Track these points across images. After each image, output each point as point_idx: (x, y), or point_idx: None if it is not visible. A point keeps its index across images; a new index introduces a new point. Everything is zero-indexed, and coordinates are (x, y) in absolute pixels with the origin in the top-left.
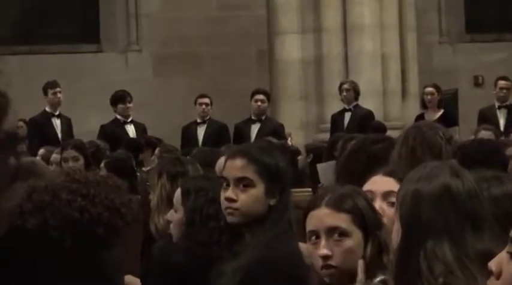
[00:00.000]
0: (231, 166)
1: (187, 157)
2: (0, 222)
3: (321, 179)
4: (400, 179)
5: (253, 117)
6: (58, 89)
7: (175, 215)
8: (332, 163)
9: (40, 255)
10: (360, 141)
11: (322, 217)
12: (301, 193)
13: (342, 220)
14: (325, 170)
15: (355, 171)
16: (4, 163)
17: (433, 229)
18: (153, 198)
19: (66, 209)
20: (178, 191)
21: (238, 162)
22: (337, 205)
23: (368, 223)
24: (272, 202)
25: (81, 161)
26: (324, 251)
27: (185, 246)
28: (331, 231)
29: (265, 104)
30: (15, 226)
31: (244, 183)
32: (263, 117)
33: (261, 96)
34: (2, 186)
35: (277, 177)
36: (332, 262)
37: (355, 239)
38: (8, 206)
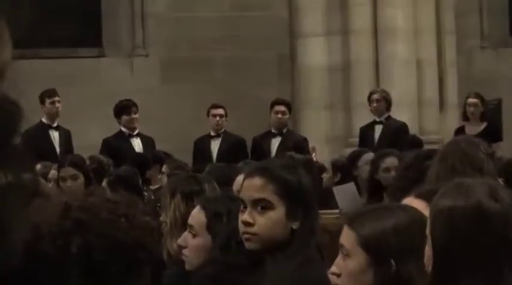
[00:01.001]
0: (248, 186)
1: (199, 174)
2: (14, 244)
3: (339, 203)
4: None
5: (273, 130)
6: (57, 98)
7: (192, 240)
8: (350, 185)
9: (80, 278)
10: (414, 156)
11: (342, 233)
12: (328, 215)
13: (346, 238)
14: (343, 193)
15: (401, 190)
16: (21, 180)
17: (467, 261)
18: (166, 220)
19: (110, 230)
20: (199, 214)
21: (256, 181)
22: (348, 222)
23: (375, 247)
24: (295, 225)
25: (81, 179)
26: (332, 268)
27: (212, 274)
28: (340, 248)
29: (287, 116)
30: (55, 245)
31: (262, 205)
32: (284, 130)
33: (282, 108)
34: (18, 204)
35: (300, 197)
36: (339, 282)
37: (356, 261)
38: (26, 227)
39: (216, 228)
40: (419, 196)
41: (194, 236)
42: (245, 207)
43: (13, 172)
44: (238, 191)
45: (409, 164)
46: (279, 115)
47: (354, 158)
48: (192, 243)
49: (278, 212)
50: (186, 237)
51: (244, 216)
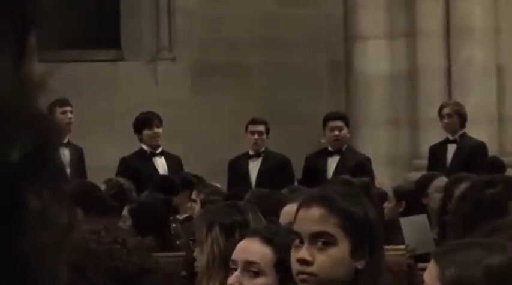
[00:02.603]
0: (306, 217)
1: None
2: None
3: (406, 238)
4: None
5: (330, 148)
6: (69, 108)
7: (253, 281)
8: (421, 217)
9: None
10: (470, 185)
11: (427, 268)
12: (391, 252)
13: (429, 273)
14: (412, 226)
15: (459, 225)
16: (58, 208)
17: None
18: (201, 257)
19: (107, 263)
20: (263, 249)
21: (315, 212)
22: (435, 256)
23: None
24: (360, 265)
25: None
26: None
27: None
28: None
29: (344, 131)
30: None
31: (322, 240)
32: (344, 148)
33: (338, 122)
34: (55, 236)
35: (367, 232)
36: None
37: None
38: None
39: (288, 267)
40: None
41: (256, 275)
42: (301, 242)
43: (49, 197)
44: (289, 223)
45: (464, 194)
46: (336, 132)
47: (424, 184)
48: (252, 284)
49: (341, 249)
50: (238, 277)
51: (301, 252)
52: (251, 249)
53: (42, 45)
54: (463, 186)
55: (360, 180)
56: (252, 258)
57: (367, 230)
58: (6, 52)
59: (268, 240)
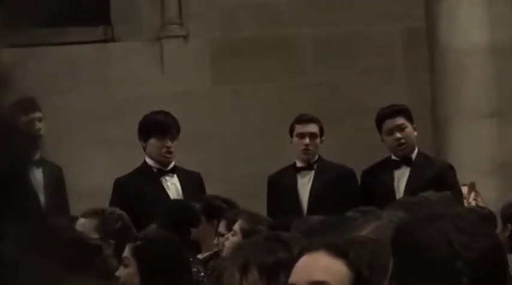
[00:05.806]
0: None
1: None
2: None
3: None
4: None
5: (393, 157)
6: (38, 114)
7: None
8: None
9: None
10: None
11: None
12: None
13: None
14: None
15: None
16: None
17: None
18: None
19: None
20: (334, 265)
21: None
22: None
23: None
24: None
25: None
26: None
27: None
28: None
29: (409, 129)
30: None
31: None
32: (413, 155)
33: (399, 120)
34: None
35: None
36: None
37: None
38: None
39: None
40: None
41: None
42: None
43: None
44: None
45: None
46: (397, 134)
47: None
48: None
49: None
50: None
51: None
52: (317, 265)
53: (11, 23)
54: None
55: (439, 194)
56: (319, 276)
57: None
58: None
59: (339, 252)
